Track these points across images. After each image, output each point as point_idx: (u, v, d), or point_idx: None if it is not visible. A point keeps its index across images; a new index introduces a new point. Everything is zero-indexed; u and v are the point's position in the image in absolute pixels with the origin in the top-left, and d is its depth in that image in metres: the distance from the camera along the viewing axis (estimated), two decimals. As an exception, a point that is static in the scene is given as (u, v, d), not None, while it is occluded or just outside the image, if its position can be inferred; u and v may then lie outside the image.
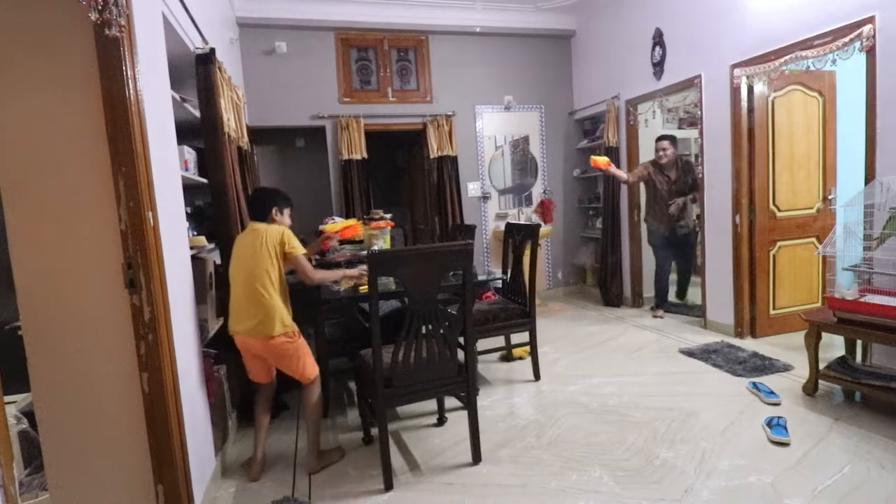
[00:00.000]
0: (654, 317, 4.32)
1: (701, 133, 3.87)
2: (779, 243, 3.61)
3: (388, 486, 2.01)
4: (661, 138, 4.17)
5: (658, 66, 4.19)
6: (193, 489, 1.78)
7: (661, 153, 4.11)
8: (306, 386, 2.18)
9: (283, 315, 2.09)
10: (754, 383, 2.74)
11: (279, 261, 2.13)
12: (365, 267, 2.34)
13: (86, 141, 1.56)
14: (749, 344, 3.45)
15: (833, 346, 3.05)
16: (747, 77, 3.41)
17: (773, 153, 3.55)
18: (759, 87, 3.48)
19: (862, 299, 2.42)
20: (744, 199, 3.54)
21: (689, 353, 3.35)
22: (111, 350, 1.61)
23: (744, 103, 3.49)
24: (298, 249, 2.17)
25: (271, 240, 2.11)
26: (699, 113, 3.86)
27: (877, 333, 2.33)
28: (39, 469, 1.80)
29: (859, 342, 2.68)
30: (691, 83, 3.88)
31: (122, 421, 1.64)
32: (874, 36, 2.61)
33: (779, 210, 3.59)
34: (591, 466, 2.09)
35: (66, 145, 1.55)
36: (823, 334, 2.57)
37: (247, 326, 2.07)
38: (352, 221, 3.15)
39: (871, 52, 2.63)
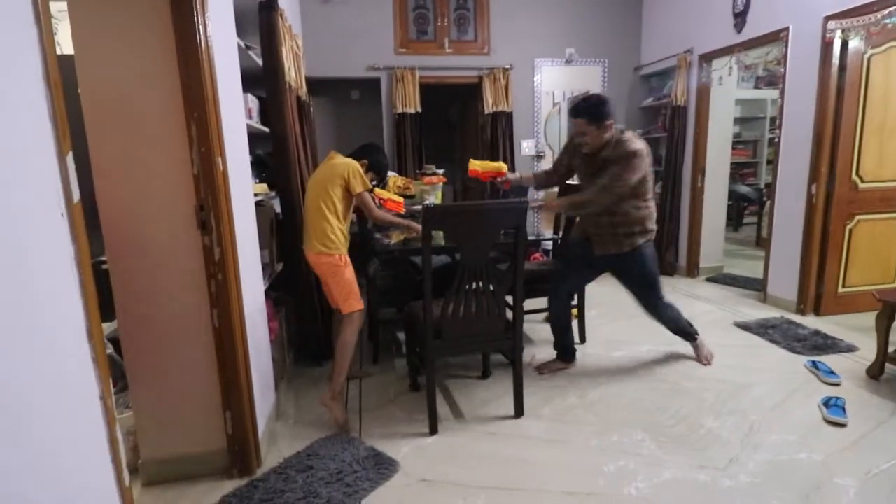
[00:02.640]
0: (541, 373, 2.68)
1: (782, 94, 3.55)
2: (857, 217, 3.33)
3: (434, 430, 2.11)
4: (574, 113, 2.43)
5: (740, 17, 3.82)
6: (257, 417, 1.94)
7: (578, 139, 2.49)
8: (345, 318, 2.29)
9: (330, 236, 2.23)
10: (814, 362, 2.62)
11: (343, 190, 2.24)
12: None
13: (162, 87, 1.62)
14: (811, 322, 3.27)
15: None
16: (842, 31, 3.06)
17: (863, 118, 3.22)
18: (855, 43, 3.12)
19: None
20: (823, 168, 3.26)
21: (745, 327, 3.23)
22: (185, 287, 1.74)
23: (835, 60, 3.15)
24: (357, 188, 2.25)
25: (340, 170, 2.24)
26: (782, 71, 3.53)
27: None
28: (124, 390, 2.01)
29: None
30: (777, 37, 3.52)
31: (195, 352, 1.79)
32: None
33: (861, 181, 3.30)
34: (634, 429, 2.10)
35: (145, 91, 1.62)
36: (898, 317, 2.40)
37: (306, 244, 2.30)
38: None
39: None
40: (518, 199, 2.11)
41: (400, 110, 4.57)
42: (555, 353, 2.77)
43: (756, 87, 6.28)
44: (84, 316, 1.02)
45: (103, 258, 1.76)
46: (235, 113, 2.02)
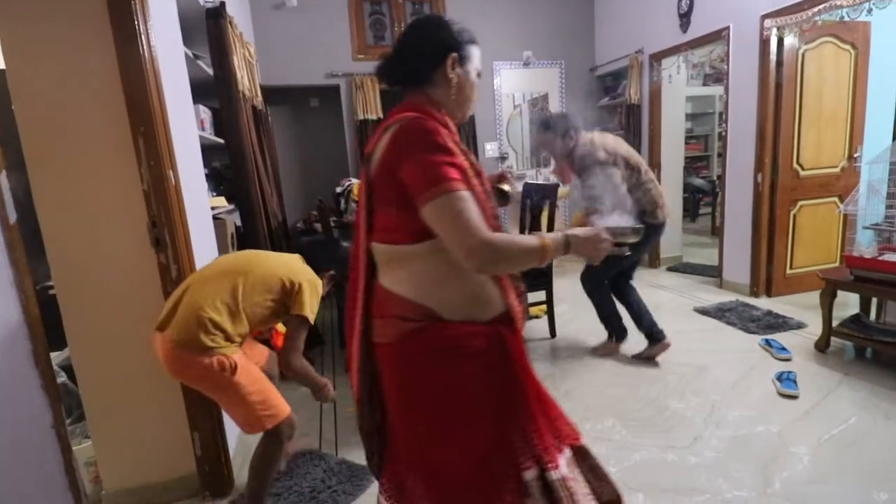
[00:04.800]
0: (602, 355, 2.84)
1: (727, 89, 3.73)
2: (800, 202, 3.53)
3: (408, 435, 2.10)
4: (542, 128, 2.64)
5: (685, 18, 4.00)
6: (227, 436, 1.89)
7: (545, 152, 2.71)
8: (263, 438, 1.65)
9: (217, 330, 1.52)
10: (767, 340, 2.76)
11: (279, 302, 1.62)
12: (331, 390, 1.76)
13: (105, 100, 1.57)
14: (764, 303, 3.44)
15: (847, 306, 3.04)
16: (778, 28, 3.24)
17: (801, 110, 3.42)
18: (790, 40, 3.31)
19: (881, 258, 2.39)
20: (767, 159, 3.44)
21: (704, 312, 3.37)
22: (142, 307, 1.68)
23: (772, 56, 3.34)
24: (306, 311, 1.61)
25: (298, 276, 1.63)
26: (726, 68, 3.71)
27: (893, 291, 2.31)
28: (80, 419, 1.92)
29: (874, 301, 2.69)
30: (719, 35, 3.70)
31: (156, 375, 1.72)
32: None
33: (802, 169, 3.50)
34: (605, 416, 2.16)
35: (86, 105, 1.56)
36: (839, 294, 2.57)
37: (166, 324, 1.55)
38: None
39: (913, -2, 2.48)
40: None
41: (361, 117, 4.55)
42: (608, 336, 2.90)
43: (704, 84, 6.56)
44: (28, 341, 0.97)
45: (50, 283, 1.68)
46: (186, 125, 1.97)
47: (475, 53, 1.11)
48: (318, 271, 1.74)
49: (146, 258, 1.66)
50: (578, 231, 1.03)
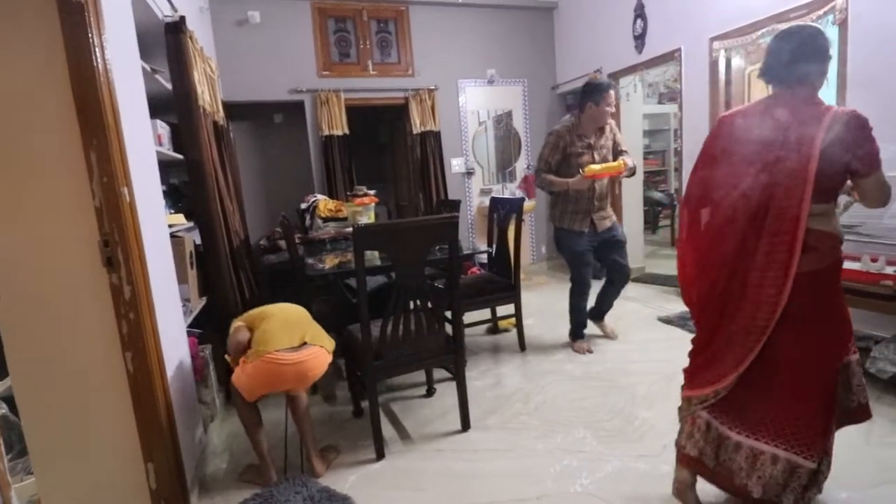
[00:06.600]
0: (577, 350, 3.04)
1: (680, 107, 3.91)
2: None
3: (380, 455, 2.05)
4: (610, 87, 2.82)
5: (639, 39, 4.19)
6: (185, 467, 1.79)
7: (611, 109, 2.82)
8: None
9: None
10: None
11: None
12: None
13: (57, 113, 1.49)
14: (724, 312, 3.56)
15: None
16: (725, 50, 3.44)
17: (750, 125, 3.60)
18: (737, 61, 3.51)
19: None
20: (721, 171, 3.60)
21: (668, 321, 3.46)
22: (92, 331, 1.58)
23: (721, 76, 3.53)
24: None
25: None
26: (679, 87, 3.89)
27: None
28: (22, 454, 1.78)
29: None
30: (671, 56, 3.89)
31: (107, 402, 1.62)
32: (846, 9, 2.65)
33: (754, 181, 3.67)
34: (576, 428, 2.16)
35: (34, 119, 1.48)
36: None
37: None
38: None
39: (843, 25, 2.68)
40: (448, 215, 2.14)
41: (327, 133, 4.51)
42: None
43: (660, 103, 6.86)
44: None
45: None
46: (142, 139, 1.90)
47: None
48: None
49: (98, 278, 1.57)
50: None
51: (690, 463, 1.55)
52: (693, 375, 1.58)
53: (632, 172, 2.84)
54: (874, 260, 2.30)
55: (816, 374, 1.42)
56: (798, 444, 1.39)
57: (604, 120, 2.84)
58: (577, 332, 3.11)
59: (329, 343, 2.01)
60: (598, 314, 3.21)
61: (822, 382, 1.42)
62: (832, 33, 2.73)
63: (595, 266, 3.05)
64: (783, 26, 2.94)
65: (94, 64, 1.49)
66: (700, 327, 1.59)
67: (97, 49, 1.50)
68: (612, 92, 2.79)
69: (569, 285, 3.07)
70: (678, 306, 3.77)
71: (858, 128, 1.33)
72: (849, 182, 1.45)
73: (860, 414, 1.53)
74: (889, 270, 2.26)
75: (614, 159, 2.88)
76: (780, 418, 1.42)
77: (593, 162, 2.82)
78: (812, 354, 1.42)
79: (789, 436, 1.40)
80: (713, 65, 3.52)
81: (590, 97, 2.78)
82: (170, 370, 1.79)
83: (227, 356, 2.03)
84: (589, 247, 2.96)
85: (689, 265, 1.60)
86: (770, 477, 1.40)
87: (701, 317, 1.57)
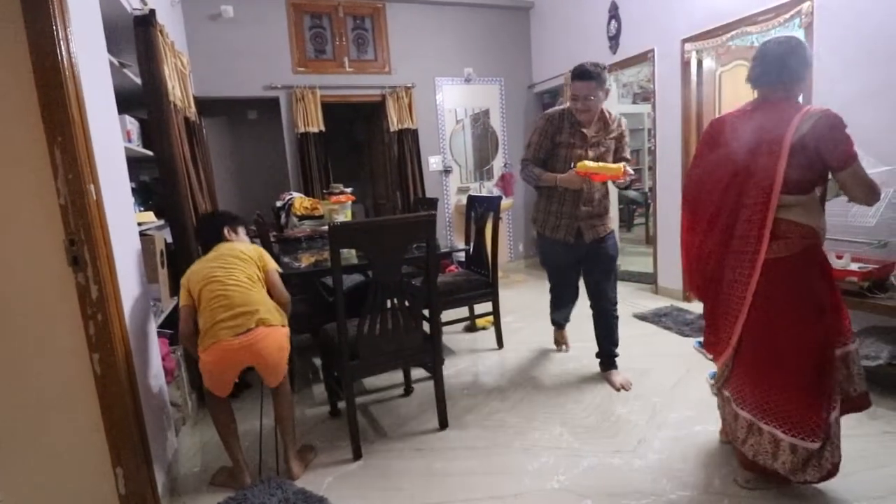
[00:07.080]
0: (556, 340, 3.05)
1: (654, 107, 3.99)
2: (724, 212, 3.81)
3: (357, 455, 2.04)
4: (585, 76, 2.24)
5: (614, 40, 4.25)
6: (155, 471, 1.74)
7: (581, 104, 2.30)
8: (283, 387, 1.97)
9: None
10: (700, 342, 2.93)
11: (260, 271, 1.98)
12: None
13: (18, 108, 1.43)
14: (696, 307, 3.65)
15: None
16: (697, 51, 3.52)
17: (720, 126, 3.71)
18: (708, 62, 3.61)
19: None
20: (692, 171, 3.70)
21: (643, 318, 3.53)
22: (58, 332, 1.53)
23: (693, 77, 3.61)
24: (272, 264, 2.04)
25: (249, 252, 1.98)
26: (652, 87, 3.97)
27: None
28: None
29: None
30: (645, 57, 3.97)
31: (74, 406, 1.57)
32: (812, 13, 2.75)
33: (724, 181, 3.78)
34: (553, 425, 2.19)
35: (-7, 113, 1.42)
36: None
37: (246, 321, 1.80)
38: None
39: (808, 28, 2.78)
40: (426, 213, 2.13)
41: (302, 130, 4.45)
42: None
43: (634, 103, 6.98)
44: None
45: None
46: (110, 136, 1.84)
47: None
48: None
49: (63, 278, 1.52)
50: None
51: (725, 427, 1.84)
52: (709, 345, 1.83)
53: (627, 185, 2.34)
54: (839, 257, 2.39)
55: (794, 357, 1.53)
56: (794, 427, 1.52)
57: (578, 116, 2.33)
58: (556, 325, 2.99)
59: (280, 318, 1.91)
60: (605, 361, 2.62)
61: (799, 365, 1.52)
62: (799, 35, 2.83)
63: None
64: (752, 28, 3.04)
65: (59, 57, 1.44)
66: (704, 307, 1.82)
67: (62, 42, 1.45)
68: (583, 83, 2.23)
69: (546, 282, 2.85)
70: (651, 302, 3.86)
71: (828, 126, 1.44)
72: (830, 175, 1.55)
73: (861, 401, 1.64)
74: (854, 267, 2.35)
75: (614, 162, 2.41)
76: (769, 399, 1.57)
77: (586, 158, 2.34)
78: (788, 337, 1.54)
79: (780, 416, 1.55)
80: (685, 65, 3.61)
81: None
82: (139, 372, 1.74)
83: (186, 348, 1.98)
84: (574, 261, 2.53)
85: (690, 255, 1.78)
86: (764, 449, 1.58)
87: (703, 297, 1.79)
